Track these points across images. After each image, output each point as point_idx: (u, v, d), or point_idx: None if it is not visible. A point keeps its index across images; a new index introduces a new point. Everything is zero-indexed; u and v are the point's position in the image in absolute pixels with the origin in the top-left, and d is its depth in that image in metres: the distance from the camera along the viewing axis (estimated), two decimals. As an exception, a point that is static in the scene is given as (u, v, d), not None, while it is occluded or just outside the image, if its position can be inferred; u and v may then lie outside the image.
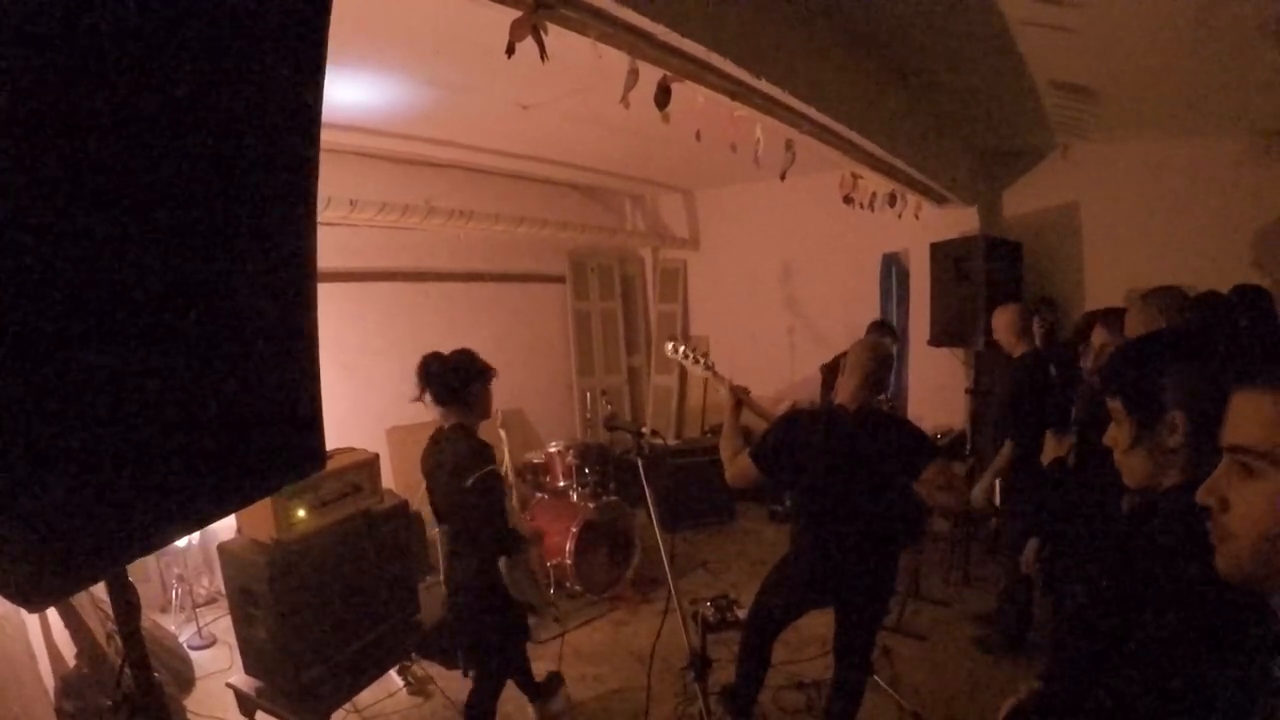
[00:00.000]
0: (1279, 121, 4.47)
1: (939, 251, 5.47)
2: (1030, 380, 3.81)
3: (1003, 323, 4.02)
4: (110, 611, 1.21)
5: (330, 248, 4.83)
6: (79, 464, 0.84)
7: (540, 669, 3.89)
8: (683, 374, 7.87)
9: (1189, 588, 1.24)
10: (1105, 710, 1.45)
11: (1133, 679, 1.41)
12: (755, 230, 7.32)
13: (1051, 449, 3.47)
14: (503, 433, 4.77)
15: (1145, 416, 1.47)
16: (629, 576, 4.76)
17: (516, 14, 1.98)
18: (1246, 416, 0.80)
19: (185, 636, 4.11)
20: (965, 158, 5.54)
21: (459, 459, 2.76)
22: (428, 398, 2.92)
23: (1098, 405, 2.67)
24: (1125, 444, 1.54)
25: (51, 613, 3.00)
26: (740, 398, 3.06)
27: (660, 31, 2.25)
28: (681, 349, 3.30)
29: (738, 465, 2.81)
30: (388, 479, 4.84)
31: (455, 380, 2.90)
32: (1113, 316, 3.08)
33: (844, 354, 5.44)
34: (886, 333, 5.18)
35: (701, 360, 3.24)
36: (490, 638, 2.96)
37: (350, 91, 3.79)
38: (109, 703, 2.48)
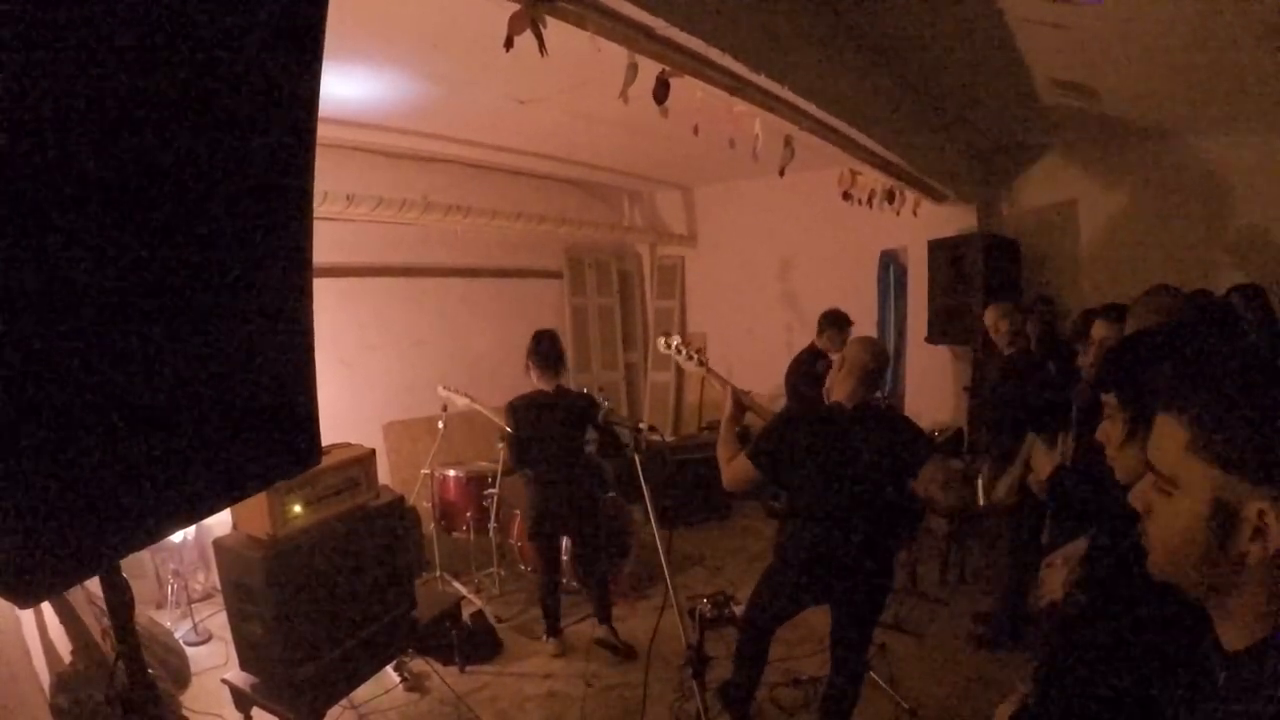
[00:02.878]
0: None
1: (937, 249, 5.47)
2: (1021, 378, 3.81)
3: (993, 320, 4.02)
4: (105, 607, 1.21)
5: (327, 242, 4.79)
6: (72, 458, 0.84)
7: (541, 664, 3.91)
8: (680, 370, 7.86)
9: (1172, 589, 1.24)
10: (1102, 710, 1.45)
11: (1126, 676, 1.41)
12: (753, 227, 7.31)
13: (1043, 461, 3.22)
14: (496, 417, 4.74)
15: (1139, 413, 1.46)
16: (625, 573, 4.75)
17: (515, 7, 1.97)
18: (1162, 438, 0.84)
19: (181, 632, 4.10)
20: (964, 155, 5.54)
21: (577, 406, 3.92)
22: (544, 370, 3.92)
23: (1096, 402, 2.66)
24: (1118, 440, 1.54)
25: (47, 609, 2.99)
26: (743, 401, 3.03)
27: (659, 26, 2.25)
28: (675, 343, 3.26)
29: (735, 467, 2.79)
30: (384, 474, 4.84)
31: (562, 356, 4.01)
32: (1114, 312, 3.04)
33: (803, 353, 5.39)
34: (839, 321, 5.13)
35: (695, 356, 3.20)
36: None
37: (347, 86, 3.78)
38: (103, 698, 2.47)
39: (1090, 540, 1.78)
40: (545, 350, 3.94)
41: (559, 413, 3.89)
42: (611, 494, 4.80)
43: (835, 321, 5.16)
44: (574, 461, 3.98)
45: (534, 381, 3.97)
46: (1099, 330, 2.95)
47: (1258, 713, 0.69)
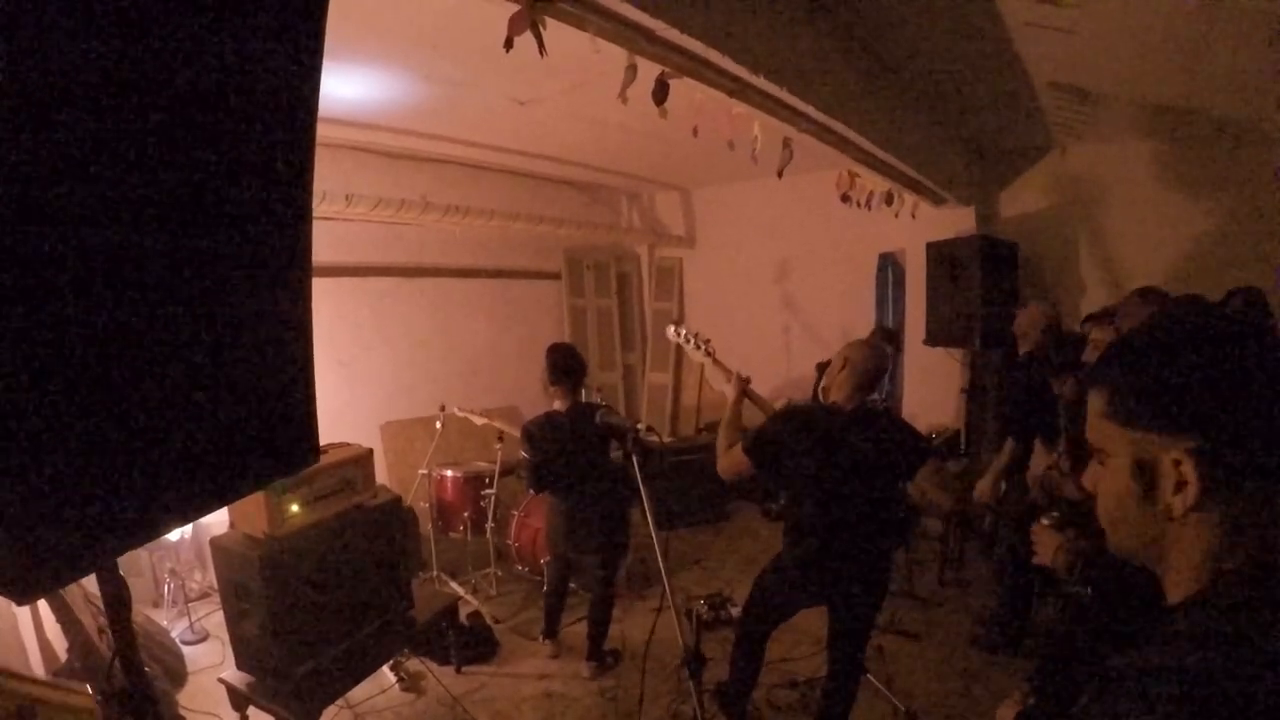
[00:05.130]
0: (1275, 123, 4.48)
1: (935, 251, 5.47)
2: (1029, 380, 3.82)
3: (1028, 321, 4.02)
4: (102, 605, 1.21)
5: (325, 242, 4.79)
6: (70, 456, 0.84)
7: (538, 665, 3.91)
8: (678, 371, 7.88)
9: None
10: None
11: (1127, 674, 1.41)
12: (752, 229, 7.32)
13: (1043, 458, 3.46)
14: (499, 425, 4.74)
15: None
16: (622, 574, 4.75)
17: (515, 8, 1.97)
18: (1090, 413, 0.88)
19: (178, 631, 4.10)
20: (963, 158, 5.55)
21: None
22: (558, 385, 3.75)
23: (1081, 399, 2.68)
24: None
25: (43, 606, 2.98)
26: (748, 392, 3.07)
27: (659, 27, 2.25)
28: (683, 332, 3.32)
29: (731, 457, 2.79)
30: (382, 474, 4.83)
31: (579, 368, 3.82)
32: (1107, 316, 3.10)
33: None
34: (889, 339, 5.17)
35: (703, 346, 3.24)
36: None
37: (347, 86, 3.78)
38: (99, 696, 2.47)
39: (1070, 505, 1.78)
40: (562, 366, 3.75)
41: (578, 432, 3.67)
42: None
43: (887, 337, 5.19)
44: (600, 479, 3.76)
45: (551, 400, 3.80)
46: (1095, 334, 2.99)
47: (1180, 666, 0.70)
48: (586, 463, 3.72)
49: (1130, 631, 1.40)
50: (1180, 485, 0.76)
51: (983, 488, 3.86)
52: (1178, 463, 0.75)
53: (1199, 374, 0.75)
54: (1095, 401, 0.85)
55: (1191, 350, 0.76)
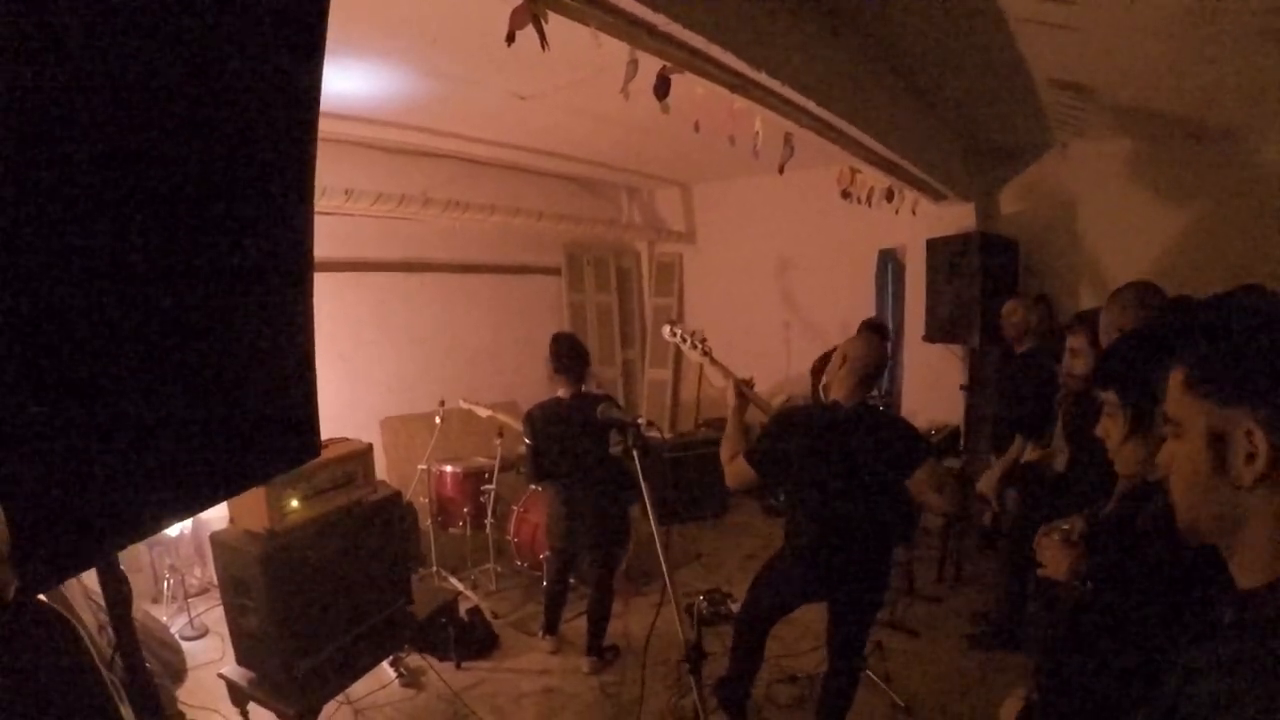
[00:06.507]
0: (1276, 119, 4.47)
1: (935, 248, 5.47)
2: (1036, 375, 3.83)
3: (1015, 319, 4.02)
4: (102, 601, 1.21)
5: (326, 237, 4.77)
6: (69, 449, 0.83)
7: (538, 660, 3.92)
8: (677, 367, 7.87)
9: (1178, 569, 1.25)
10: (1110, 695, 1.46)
11: (1134, 657, 1.41)
12: (752, 225, 7.31)
13: (1029, 453, 3.49)
14: (500, 417, 4.74)
15: (1140, 408, 1.48)
16: (623, 569, 4.75)
17: (517, 2, 1.96)
18: (1169, 387, 0.90)
19: (177, 627, 4.10)
20: (963, 154, 5.54)
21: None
22: (562, 374, 3.78)
23: (1085, 403, 2.67)
24: (1120, 436, 1.56)
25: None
26: (745, 393, 3.03)
27: (660, 22, 2.24)
28: (679, 332, 3.29)
29: (736, 467, 2.79)
30: (381, 470, 4.83)
31: (582, 359, 3.83)
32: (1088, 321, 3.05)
33: (832, 350, 5.47)
34: (879, 332, 5.15)
35: (700, 345, 3.22)
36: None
37: (348, 81, 3.77)
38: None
39: (1089, 518, 1.77)
40: (565, 354, 3.78)
41: (579, 421, 3.68)
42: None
43: (877, 331, 5.20)
44: (599, 470, 3.78)
45: (556, 388, 3.83)
46: (1072, 341, 2.95)
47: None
48: (586, 453, 3.74)
49: (1153, 620, 1.40)
50: (1251, 456, 0.77)
51: (987, 483, 3.87)
52: (1249, 433, 0.77)
53: (1272, 346, 0.78)
54: (1175, 377, 0.88)
55: (1265, 324, 0.80)
